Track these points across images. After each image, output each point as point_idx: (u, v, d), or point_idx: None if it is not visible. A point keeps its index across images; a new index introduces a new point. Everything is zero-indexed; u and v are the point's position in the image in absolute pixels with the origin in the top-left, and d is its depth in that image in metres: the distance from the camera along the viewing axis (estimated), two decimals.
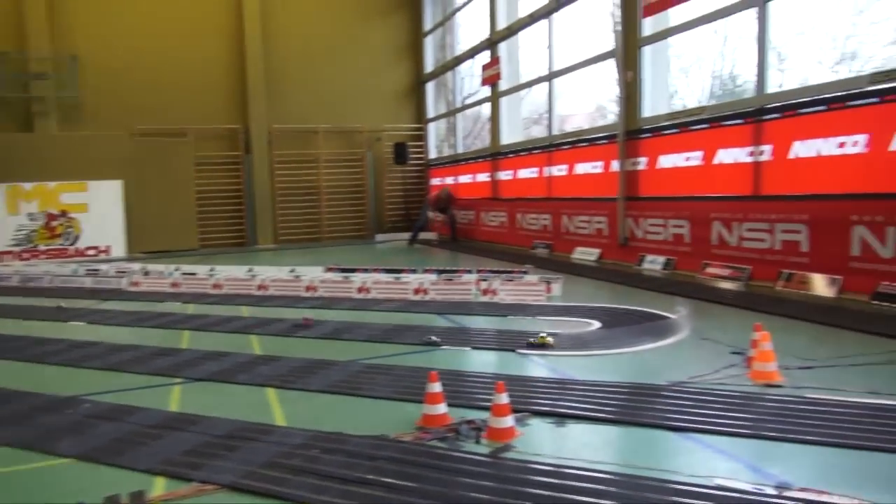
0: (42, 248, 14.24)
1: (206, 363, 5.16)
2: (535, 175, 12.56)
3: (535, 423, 3.68)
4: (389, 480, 2.94)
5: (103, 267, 10.40)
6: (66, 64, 14.89)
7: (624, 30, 9.73)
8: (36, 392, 4.51)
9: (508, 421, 3.46)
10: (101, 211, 14.60)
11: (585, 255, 10.81)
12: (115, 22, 15.49)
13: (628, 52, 9.70)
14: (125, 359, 5.41)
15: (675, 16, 9.18)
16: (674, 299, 6.98)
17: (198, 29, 16.10)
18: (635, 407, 3.85)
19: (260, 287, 8.54)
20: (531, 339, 5.33)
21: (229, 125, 16.37)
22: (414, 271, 8.73)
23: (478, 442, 3.41)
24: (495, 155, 14.06)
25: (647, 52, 9.65)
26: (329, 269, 9.39)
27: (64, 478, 3.18)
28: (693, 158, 8.72)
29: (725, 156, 8.20)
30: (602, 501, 2.68)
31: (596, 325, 6.10)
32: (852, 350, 4.94)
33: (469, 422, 3.63)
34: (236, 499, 2.87)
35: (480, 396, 4.03)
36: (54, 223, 14.40)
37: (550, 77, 12.16)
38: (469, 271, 8.51)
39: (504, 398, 3.46)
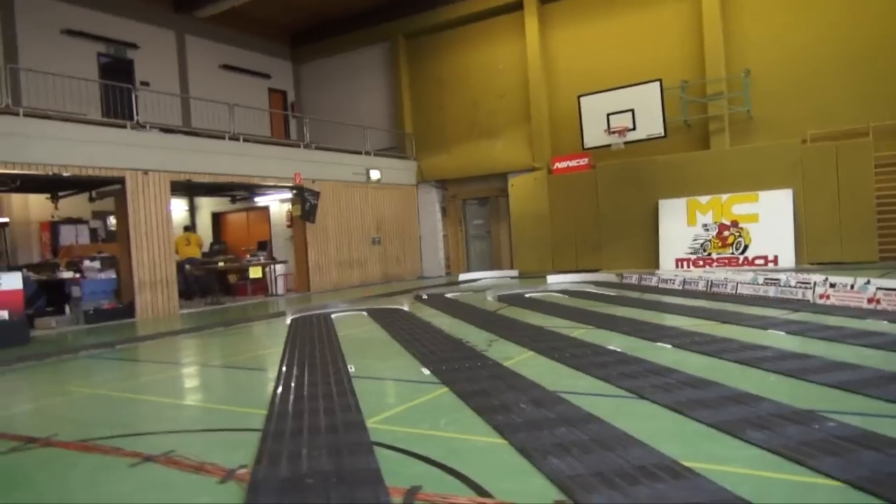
0: (714, 256, 15.21)
1: None
2: None
3: None
4: None
5: (782, 276, 10.21)
6: (739, 80, 15.52)
7: None
8: (766, 398, 4.51)
9: None
10: (770, 220, 14.62)
11: None
12: (786, 25, 15.27)
13: None
14: (853, 378, 4.93)
15: None
16: None
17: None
18: None
19: None
20: None
21: None
22: None
23: None
24: None
25: None
26: None
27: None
28: None
29: None
30: None
31: None
32: None
33: None
34: None
35: None
36: (725, 233, 15.18)
37: None
38: None
39: None
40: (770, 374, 5.27)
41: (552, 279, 15.19)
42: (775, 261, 14.50)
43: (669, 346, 6.68)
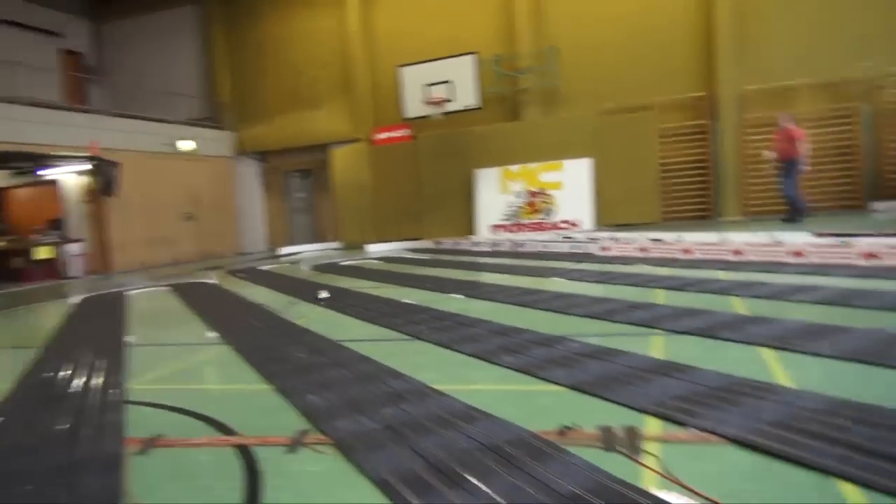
0: (525, 221, 16.14)
1: (685, 319, 4.81)
2: None
3: None
4: None
5: (576, 235, 11.07)
6: (546, 55, 16.46)
7: None
8: (529, 329, 4.87)
9: None
10: (573, 187, 15.76)
11: None
12: (588, 4, 16.43)
13: None
14: (604, 309, 5.48)
15: None
16: None
17: None
18: None
19: (735, 252, 7.80)
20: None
21: (693, 93, 15.71)
22: None
23: None
24: None
25: None
26: (820, 235, 8.00)
27: (559, 401, 3.24)
28: None
29: None
30: None
31: None
32: None
33: None
34: (747, 457, 2.42)
35: None
36: (535, 200, 16.14)
37: None
38: None
39: None
40: (539, 312, 5.69)
41: (372, 248, 15.28)
42: (578, 224, 15.69)
43: (462, 296, 6.98)
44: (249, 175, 19.85)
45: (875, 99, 14.62)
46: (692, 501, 2.08)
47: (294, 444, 2.93)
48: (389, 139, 17.80)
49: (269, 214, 20.05)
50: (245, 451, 2.89)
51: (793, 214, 12.07)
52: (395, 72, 16.67)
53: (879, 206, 14.06)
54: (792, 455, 2.35)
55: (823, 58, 14.60)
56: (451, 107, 16.14)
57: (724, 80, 15.38)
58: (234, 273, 12.46)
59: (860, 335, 3.89)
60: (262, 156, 19.90)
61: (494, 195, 16.51)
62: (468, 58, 15.97)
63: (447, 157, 17.04)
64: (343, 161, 18.25)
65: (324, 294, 5.63)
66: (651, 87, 15.88)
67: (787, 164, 12.11)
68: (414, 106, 16.46)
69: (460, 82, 16.01)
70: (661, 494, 2.14)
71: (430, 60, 16.32)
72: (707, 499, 2.09)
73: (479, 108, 16.05)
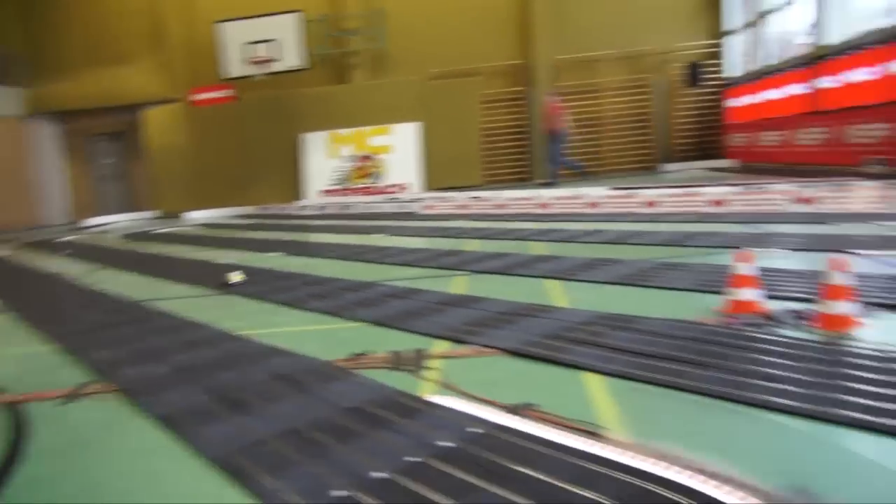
0: (354, 186, 16.11)
1: (488, 261, 5.15)
2: (871, 76, 10.22)
3: (886, 315, 2.83)
4: (690, 356, 2.47)
5: (401, 197, 11.27)
6: (374, 17, 16.32)
7: None
8: (342, 278, 4.94)
9: (848, 307, 2.69)
10: (401, 151, 15.95)
11: None
12: None
13: None
14: (416, 258, 5.69)
15: None
16: None
17: None
18: None
19: (542, 205, 8.42)
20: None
21: (513, 61, 16.50)
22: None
23: (802, 329, 2.72)
24: (815, 59, 11.81)
25: None
26: (614, 189, 8.86)
27: (358, 334, 3.34)
28: None
29: None
30: None
31: None
32: None
33: (791, 310, 2.94)
34: (516, 363, 2.68)
35: (803, 290, 3.27)
36: (364, 164, 16.15)
37: None
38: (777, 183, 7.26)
39: (841, 277, 2.69)
40: (356, 263, 5.78)
41: (191, 216, 14.45)
42: (407, 188, 15.96)
43: (281, 253, 6.88)
44: (46, 138, 17.75)
45: (664, 72, 16.31)
46: (466, 402, 2.27)
47: (73, 396, 2.75)
48: (209, 100, 16.74)
49: (72, 183, 18.13)
50: (14, 407, 2.67)
51: (552, 180, 13.29)
52: (213, 28, 15.68)
53: (670, 167, 15.83)
54: (553, 357, 2.64)
55: (624, 32, 15.98)
56: (275, 67, 15.55)
57: (539, 50, 16.29)
58: (28, 246, 11.18)
59: (629, 265, 4.41)
60: (62, 117, 17.86)
61: (323, 160, 16.26)
62: (293, 16, 15.43)
63: (273, 121, 16.43)
64: (158, 123, 16.91)
65: (236, 277, 4.38)
66: (475, 54, 16.40)
67: (553, 135, 13.35)
68: (235, 65, 15.64)
69: (285, 42, 15.45)
70: (436, 399, 2.31)
71: (252, 17, 15.54)
72: (475, 397, 2.29)
73: (305, 70, 15.62)
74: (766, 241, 4.92)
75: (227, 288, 4.30)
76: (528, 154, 16.74)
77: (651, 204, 7.35)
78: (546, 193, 9.13)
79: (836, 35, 11.55)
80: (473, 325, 3.22)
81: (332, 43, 16.58)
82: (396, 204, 10.88)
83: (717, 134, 16.33)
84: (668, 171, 15.49)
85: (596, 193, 8.16)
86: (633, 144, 16.52)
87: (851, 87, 10.89)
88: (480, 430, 1.99)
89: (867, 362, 2.29)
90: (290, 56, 15.41)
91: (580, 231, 6.42)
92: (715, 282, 3.51)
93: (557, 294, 3.85)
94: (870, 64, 10.31)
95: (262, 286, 4.93)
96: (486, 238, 6.64)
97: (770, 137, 13.76)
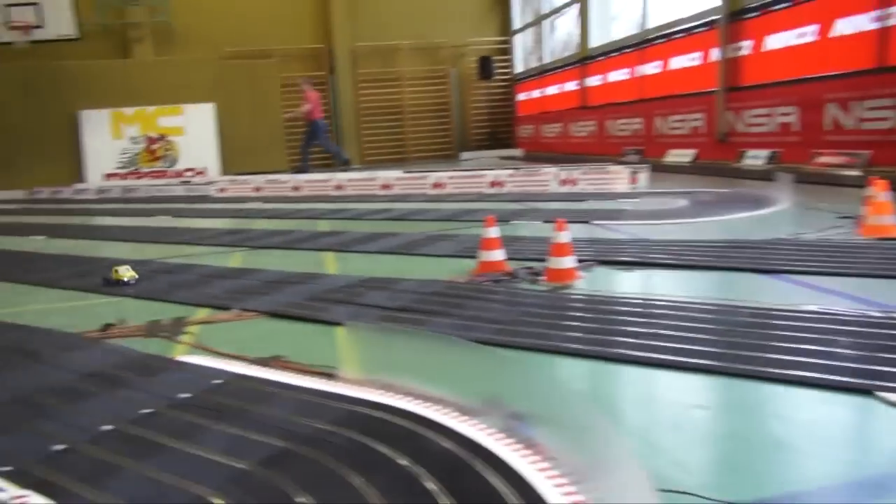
0: (145, 170, 14.93)
1: (273, 237, 5.15)
2: (625, 77, 11.70)
3: (602, 269, 3.35)
4: (431, 308, 2.74)
5: (195, 179, 10.72)
6: None
7: None
8: (112, 258, 4.63)
9: (569, 262, 3.14)
10: (196, 133, 15.06)
11: (679, 157, 10.01)
12: None
13: None
14: (197, 237, 5.50)
15: None
16: (776, 184, 6.28)
17: None
18: (721, 256, 3.43)
19: (337, 187, 8.52)
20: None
21: (313, 45, 16.32)
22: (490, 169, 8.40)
23: (534, 283, 3.13)
24: (584, 60, 13.22)
25: None
26: (407, 172, 9.22)
27: (117, 309, 3.20)
28: (807, 34, 7.71)
29: (845, 26, 7.17)
30: (674, 322, 2.35)
31: (683, 202, 5.58)
32: None
33: (528, 268, 3.36)
34: (274, 323, 2.76)
35: (542, 252, 3.74)
36: (154, 146, 15.01)
37: None
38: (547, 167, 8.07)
39: (564, 237, 3.13)
40: (129, 243, 5.44)
41: None
42: (204, 172, 15.12)
43: (44, 237, 6.24)
44: None
45: (460, 64, 17.19)
46: (215, 359, 2.30)
47: None
48: None
49: None
50: None
51: (301, 167, 12.60)
52: None
53: (466, 155, 16.74)
54: (309, 315, 2.76)
55: (422, 23, 16.52)
56: (39, 34, 13.81)
57: (338, 35, 16.28)
58: None
59: (405, 237, 4.68)
60: None
61: (106, 140, 14.83)
62: None
63: (42, 95, 14.61)
64: None
65: (126, 274, 3.33)
66: (272, 36, 15.95)
67: (311, 124, 12.90)
68: None
69: (51, 6, 13.78)
70: (185, 358, 2.32)
71: None
72: (226, 354, 2.34)
73: (77, 40, 14.07)
74: (528, 215, 5.48)
75: (113, 286, 3.53)
76: (331, 139, 16.69)
77: (438, 185, 7.79)
78: (302, 178, 9.26)
79: (596, 40, 13.00)
80: (240, 293, 3.24)
81: (109, 12, 15.14)
82: (188, 187, 10.30)
83: (508, 125, 17.58)
84: (465, 159, 16.37)
85: (388, 176, 8.43)
86: (433, 133, 17.20)
87: (611, 86, 12.37)
88: (221, 381, 2.05)
89: (578, 304, 2.72)
90: (59, 23, 13.79)
91: (370, 210, 6.63)
92: (476, 249, 3.86)
93: (331, 264, 3.98)
94: (624, 66, 11.79)
95: (16, 269, 4.47)
96: (276, 217, 6.60)
97: (551, 129, 15.14)
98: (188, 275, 3.84)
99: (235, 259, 4.36)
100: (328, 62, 16.42)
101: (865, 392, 1.70)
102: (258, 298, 3.10)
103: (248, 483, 1.42)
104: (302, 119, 13.06)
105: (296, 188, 8.87)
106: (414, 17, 16.45)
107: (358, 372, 2.07)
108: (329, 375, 2.07)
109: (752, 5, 8.54)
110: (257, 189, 9.23)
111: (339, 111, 16.57)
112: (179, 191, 10.24)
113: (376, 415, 1.75)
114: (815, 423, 1.63)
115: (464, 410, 1.74)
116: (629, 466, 1.29)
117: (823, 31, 7.47)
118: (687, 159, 9.82)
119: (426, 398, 1.83)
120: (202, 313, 2.97)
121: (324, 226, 5.76)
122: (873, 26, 6.81)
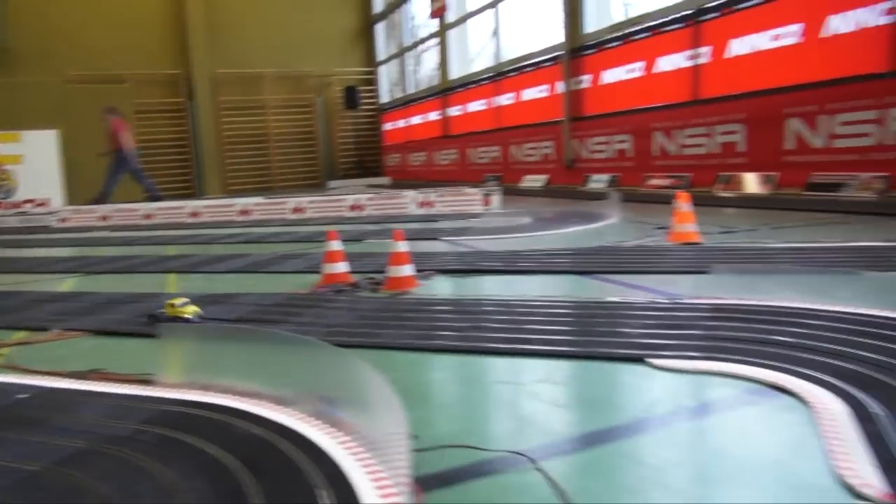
0: None
1: (114, 263, 4.90)
2: (483, 107, 12.32)
3: (440, 278, 3.52)
4: (268, 317, 2.76)
5: (28, 208, 9.92)
6: None
7: None
8: None
9: (407, 270, 3.28)
10: (37, 162, 13.93)
11: (533, 181, 10.65)
12: None
13: None
14: (28, 266, 5.12)
15: None
16: (608, 202, 6.88)
17: None
18: (549, 262, 3.72)
19: (193, 213, 8.22)
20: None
21: (169, 70, 15.72)
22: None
23: (375, 291, 3.24)
24: (445, 91, 13.75)
25: None
26: (266, 198, 9.09)
27: None
28: (635, 70, 8.55)
29: (665, 63, 8.05)
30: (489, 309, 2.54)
31: (527, 220, 5.96)
32: (775, 221, 4.88)
33: (370, 278, 3.46)
34: (98, 340, 2.66)
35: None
36: None
37: (496, 2, 11.83)
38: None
39: (402, 246, 3.28)
40: None
41: None
42: (47, 203, 13.97)
43: None
44: None
45: (326, 93, 17.25)
46: (25, 376, 2.18)
47: None
48: None
49: None
50: None
51: (101, 196, 11.48)
52: None
53: (334, 183, 16.72)
54: (136, 330, 2.69)
55: (286, 52, 16.44)
56: None
57: (197, 61, 15.83)
58: None
59: (255, 258, 4.64)
60: None
61: None
62: None
63: None
64: None
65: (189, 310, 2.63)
66: (125, 60, 15.22)
67: (117, 155, 11.91)
68: None
69: None
70: None
71: None
72: (38, 371, 2.23)
73: None
74: (384, 234, 5.60)
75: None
76: (191, 169, 16.07)
77: (298, 210, 7.75)
78: (154, 205, 8.90)
79: (456, 72, 13.61)
80: (65, 315, 3.07)
81: None
82: (24, 217, 9.49)
83: (376, 153, 17.81)
84: (332, 188, 16.35)
85: (247, 202, 8.27)
86: (300, 162, 17.06)
87: (471, 115, 12.96)
88: (27, 395, 1.96)
89: (411, 307, 2.85)
90: None
91: (224, 234, 6.47)
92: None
93: (172, 285, 3.87)
94: (482, 97, 12.41)
95: None
96: (121, 244, 6.26)
97: (416, 158, 15.54)
98: (12, 300, 3.58)
99: (68, 284, 4.12)
100: (186, 88, 15.88)
101: (638, 360, 1.95)
102: (83, 318, 2.97)
103: (37, 483, 1.39)
104: (113, 150, 11.89)
105: (147, 216, 8.45)
106: (278, 45, 16.34)
107: (177, 375, 2.05)
108: (148, 382, 2.04)
109: (589, 43, 9.36)
110: (104, 218, 8.68)
111: (199, 138, 16.02)
112: (13, 222, 9.40)
113: (189, 412, 1.76)
114: (588, 386, 1.84)
115: (278, 400, 1.79)
116: (393, 423, 1.43)
117: (648, 67, 8.33)
118: (540, 184, 10.46)
119: (243, 393, 1.87)
120: (19, 335, 2.79)
121: (172, 251, 5.56)
122: (687, 64, 7.71)
